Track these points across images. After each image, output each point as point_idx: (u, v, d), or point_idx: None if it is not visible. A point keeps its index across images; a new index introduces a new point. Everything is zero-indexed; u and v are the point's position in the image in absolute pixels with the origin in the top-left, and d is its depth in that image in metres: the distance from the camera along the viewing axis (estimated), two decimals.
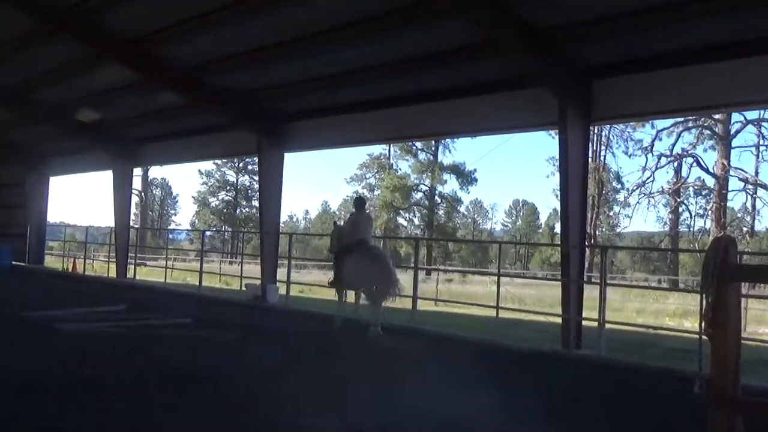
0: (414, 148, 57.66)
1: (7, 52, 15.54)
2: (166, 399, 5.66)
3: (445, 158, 57.19)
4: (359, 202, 11.60)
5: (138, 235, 22.16)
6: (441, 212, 60.27)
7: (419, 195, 59.43)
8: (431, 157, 57.62)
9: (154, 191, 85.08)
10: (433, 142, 55.39)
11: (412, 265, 16.80)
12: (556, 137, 10.59)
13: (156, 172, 79.56)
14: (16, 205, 26.66)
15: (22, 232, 25.84)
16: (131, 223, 28.76)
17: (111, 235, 23.04)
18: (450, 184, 58.36)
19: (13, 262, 24.16)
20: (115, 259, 21.69)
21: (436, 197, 58.77)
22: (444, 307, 17.70)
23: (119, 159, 21.07)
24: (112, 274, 21.59)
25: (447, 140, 54.74)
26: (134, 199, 68.13)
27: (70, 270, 24.43)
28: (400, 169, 61.72)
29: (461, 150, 78.71)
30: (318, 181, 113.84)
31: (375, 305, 10.34)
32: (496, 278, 14.41)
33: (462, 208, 64.98)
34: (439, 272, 32.65)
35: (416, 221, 61.90)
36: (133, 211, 73.39)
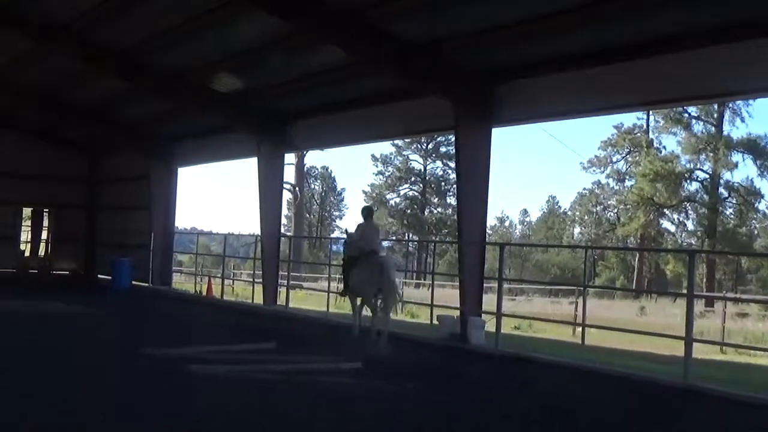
0: (685, 116, 54.78)
1: (117, 5, 17.13)
2: None
3: (735, 130, 53.74)
4: (367, 211, 15.95)
5: (291, 245, 23.32)
6: (729, 211, 56.63)
7: (694, 186, 56.26)
8: (712, 128, 54.26)
9: (312, 185, 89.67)
10: (715, 106, 52.36)
11: (684, 291, 15.97)
12: None
13: (314, 159, 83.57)
14: (136, 206, 29.41)
15: (144, 241, 28.18)
16: (282, 230, 30.36)
17: (256, 247, 24.37)
18: (743, 170, 54.74)
19: (133, 282, 26.61)
20: (261, 279, 22.99)
21: (721, 189, 55.23)
22: (735, 354, 16.69)
23: (267, 141, 22.42)
24: (258, 299, 22.88)
25: (737, 102, 51.28)
26: (286, 196, 72.24)
27: (203, 293, 26.40)
28: (663, 147, 59.09)
29: (760, 117, 73.64)
30: (538, 167, 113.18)
31: (382, 315, 14.23)
32: None
33: (762, 205, 59.78)
34: (726, 302, 30.78)
35: (689, 225, 58.91)
36: (284, 214, 77.44)
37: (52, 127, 30.19)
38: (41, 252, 34.19)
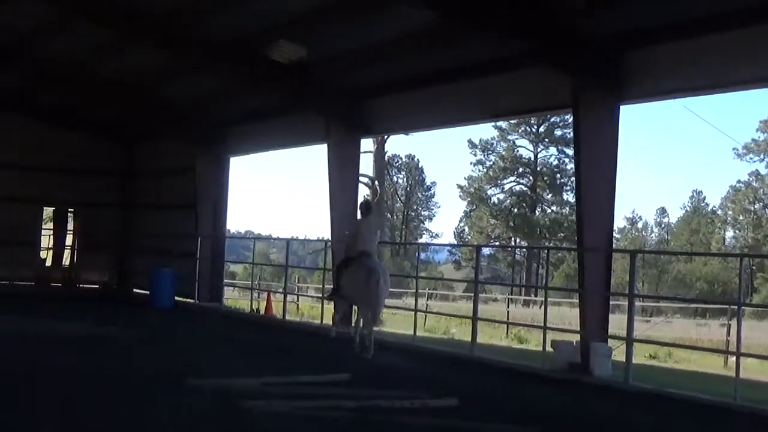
0: None
1: None
2: None
3: None
4: (366, 207, 17.68)
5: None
6: None
7: None
8: None
9: (395, 178, 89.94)
10: None
11: None
12: None
13: (398, 145, 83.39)
14: (179, 205, 29.83)
15: (189, 248, 28.51)
16: None
17: (325, 254, 24.50)
18: None
19: (176, 298, 27.12)
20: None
21: None
22: None
23: (338, 124, 22.58)
24: (328, 319, 23.02)
25: None
26: (362, 191, 72.37)
27: (262, 312, 26.62)
28: None
29: None
30: (679, 155, 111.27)
31: (368, 322, 16.37)
32: None
33: None
34: None
35: None
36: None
37: (78, 110, 30.88)
38: (65, 261, 34.86)
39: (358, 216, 17.51)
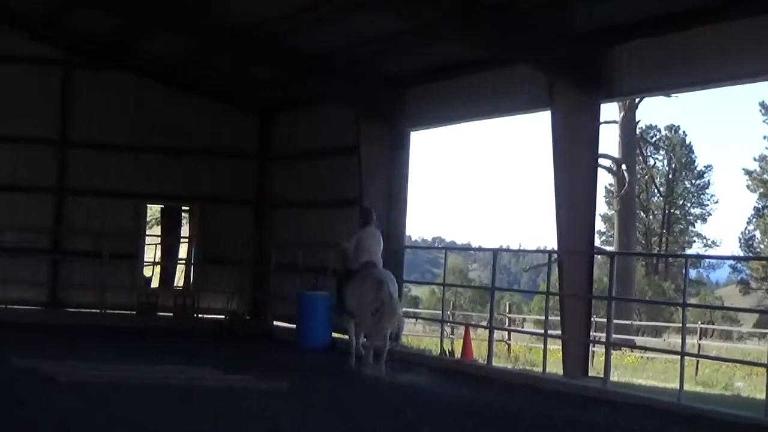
0: None
1: None
2: None
3: None
4: (366, 215, 22.29)
5: (614, 269, 22.89)
6: None
7: None
8: None
9: (651, 160, 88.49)
10: None
11: None
12: None
13: (655, 113, 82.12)
14: (338, 201, 30.42)
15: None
16: (598, 243, 30.07)
17: (549, 271, 24.37)
18: None
19: (335, 334, 27.17)
20: (561, 330, 23.27)
21: None
22: None
23: (566, 82, 22.56)
24: (555, 366, 22.97)
25: None
26: (603, 180, 71.65)
27: (458, 354, 26.65)
28: None
29: None
30: None
31: (377, 338, 20.66)
32: None
33: None
34: None
35: None
36: (601, 213, 76.39)
37: (189, 66, 31.73)
38: (177, 280, 35.54)
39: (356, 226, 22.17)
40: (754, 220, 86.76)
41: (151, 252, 35.99)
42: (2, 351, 20.92)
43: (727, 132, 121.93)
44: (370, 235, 21.97)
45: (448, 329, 30.41)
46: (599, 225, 67.20)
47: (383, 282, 20.27)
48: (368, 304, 20.41)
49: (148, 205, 35.11)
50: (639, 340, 48.94)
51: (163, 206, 35.73)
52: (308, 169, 32.09)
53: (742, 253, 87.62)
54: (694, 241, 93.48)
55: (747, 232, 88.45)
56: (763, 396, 18.05)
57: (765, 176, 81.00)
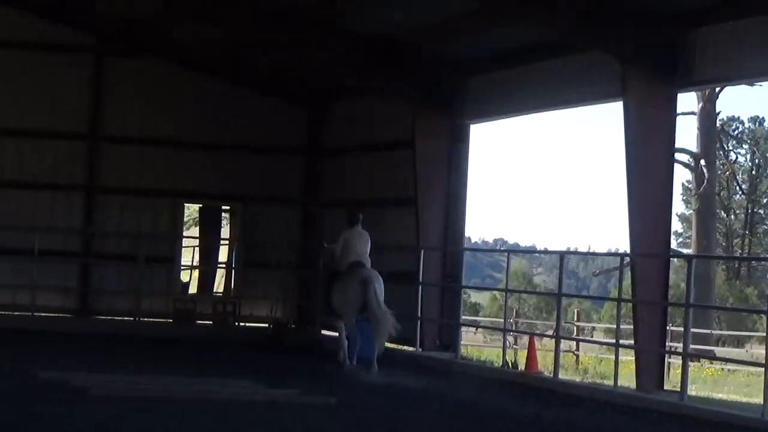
0: None
1: None
2: None
3: None
4: (353, 217, 24.16)
5: (691, 274, 22.77)
6: None
7: None
8: None
9: (733, 154, 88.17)
10: None
11: None
12: None
13: (735, 103, 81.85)
14: (390, 199, 30.49)
15: (405, 266, 28.83)
16: (675, 245, 29.90)
17: (621, 276, 24.31)
18: None
19: (388, 344, 26.89)
20: (633, 340, 23.19)
21: None
22: None
23: (641, 69, 22.48)
24: (627, 379, 22.89)
25: None
26: (681, 176, 71.35)
27: (521, 367, 26.60)
28: None
29: None
30: None
31: (377, 342, 22.50)
32: None
33: None
34: None
35: None
36: (677, 212, 75.87)
37: (232, 53, 31.63)
38: (217, 286, 35.64)
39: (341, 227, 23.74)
40: None
41: (189, 255, 36.04)
42: (30, 362, 21.05)
43: None
44: (357, 235, 24.07)
45: (510, 339, 30.37)
46: (676, 225, 67.32)
47: (369, 281, 22.36)
48: (352, 303, 22.64)
49: (186, 205, 35.10)
50: (719, 350, 48.72)
51: (201, 205, 35.79)
52: (360, 166, 32.14)
53: None
54: None
55: None
56: None
57: None
